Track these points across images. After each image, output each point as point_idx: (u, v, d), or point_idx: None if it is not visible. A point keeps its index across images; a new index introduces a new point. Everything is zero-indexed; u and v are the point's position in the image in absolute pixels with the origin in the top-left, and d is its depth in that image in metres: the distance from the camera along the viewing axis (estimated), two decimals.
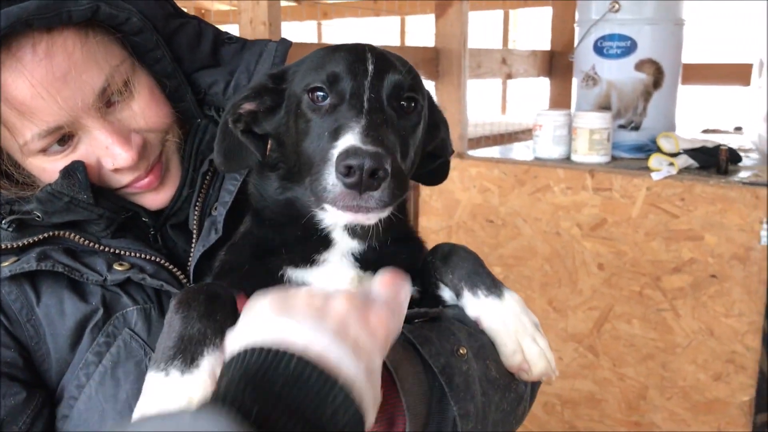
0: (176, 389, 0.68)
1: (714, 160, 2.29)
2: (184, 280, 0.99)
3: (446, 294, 0.91)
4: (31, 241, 0.90)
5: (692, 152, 2.34)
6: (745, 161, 2.42)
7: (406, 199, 0.86)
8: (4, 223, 0.91)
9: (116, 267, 0.92)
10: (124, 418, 0.87)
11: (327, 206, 0.79)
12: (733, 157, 2.32)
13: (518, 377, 0.86)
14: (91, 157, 0.93)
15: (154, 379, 0.69)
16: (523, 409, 0.89)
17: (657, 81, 2.51)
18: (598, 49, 2.55)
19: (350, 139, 0.75)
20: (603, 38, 2.53)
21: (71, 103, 0.87)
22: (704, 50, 3.56)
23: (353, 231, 0.87)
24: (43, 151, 0.91)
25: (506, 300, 0.86)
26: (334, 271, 0.87)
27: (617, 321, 2.42)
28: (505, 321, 0.85)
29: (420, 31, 5.09)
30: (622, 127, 2.57)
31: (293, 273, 0.87)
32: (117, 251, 0.94)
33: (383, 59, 0.86)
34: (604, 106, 2.57)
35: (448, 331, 0.83)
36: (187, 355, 0.70)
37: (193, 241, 1.00)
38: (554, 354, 0.88)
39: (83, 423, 0.88)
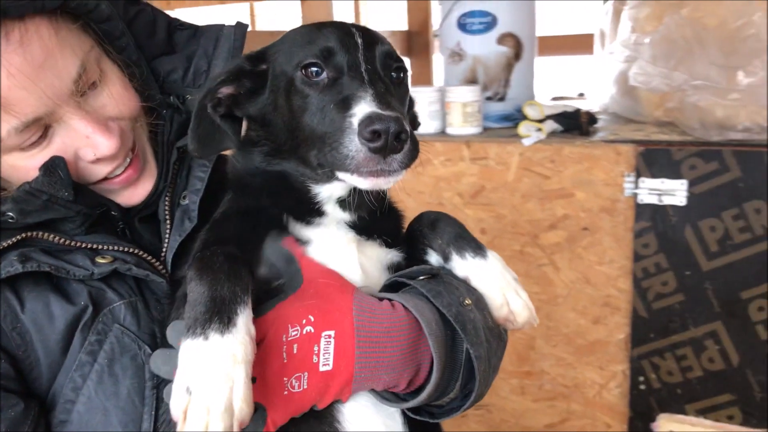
0: (219, 351, 0.68)
1: (576, 123, 2.47)
2: (162, 270, 0.95)
3: (432, 259, 0.94)
4: (5, 245, 0.84)
5: (556, 117, 2.51)
6: (600, 122, 2.62)
7: None
8: None
9: (99, 260, 0.88)
10: (128, 414, 0.83)
11: (344, 174, 0.79)
12: (591, 119, 2.51)
13: (505, 327, 0.91)
14: (68, 151, 0.88)
15: (192, 346, 0.68)
16: (498, 367, 0.95)
17: (517, 53, 2.66)
18: (462, 26, 2.65)
19: (366, 106, 0.76)
20: (465, 15, 2.63)
21: (50, 92, 0.82)
22: (552, 23, 3.80)
23: (344, 203, 0.89)
24: (21, 148, 0.85)
25: (490, 259, 0.92)
26: (334, 233, 0.87)
27: None
28: (491, 278, 0.91)
29: (271, 18, 5.03)
30: (489, 99, 2.70)
31: (294, 226, 0.87)
32: (93, 246, 0.90)
33: (368, 32, 0.89)
34: (471, 80, 2.68)
35: (451, 286, 0.88)
36: (223, 316, 0.70)
37: (167, 231, 0.97)
38: None
39: (85, 424, 0.84)
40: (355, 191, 0.91)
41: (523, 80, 2.71)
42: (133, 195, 0.96)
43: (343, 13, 4.49)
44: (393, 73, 0.88)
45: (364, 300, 0.83)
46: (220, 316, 0.70)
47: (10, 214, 0.86)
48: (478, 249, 0.93)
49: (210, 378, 0.67)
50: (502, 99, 2.69)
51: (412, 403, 0.84)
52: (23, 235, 0.87)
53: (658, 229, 2.24)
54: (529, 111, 2.54)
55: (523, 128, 2.48)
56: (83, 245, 0.91)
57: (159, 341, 0.93)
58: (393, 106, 0.78)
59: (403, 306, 0.84)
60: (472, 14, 2.63)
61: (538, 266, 2.50)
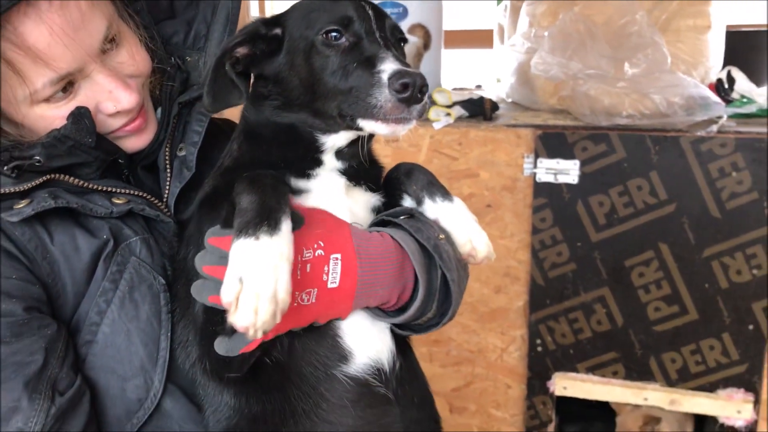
0: (268, 248, 0.77)
1: (480, 109, 2.63)
2: (167, 212, 1.01)
3: (407, 202, 1.05)
4: (32, 185, 0.90)
5: (462, 104, 2.66)
6: (500, 110, 2.80)
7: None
8: (6, 169, 0.90)
9: (116, 201, 0.93)
10: (147, 335, 0.89)
11: (368, 122, 0.90)
12: (494, 106, 2.68)
13: (467, 261, 1.02)
14: (90, 104, 0.94)
15: (245, 244, 0.77)
16: (465, 287, 1.07)
17: (426, 43, 2.79)
18: None
19: (392, 64, 0.88)
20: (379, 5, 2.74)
21: (83, 49, 0.90)
22: (456, 18, 3.97)
23: (339, 153, 0.97)
24: (47, 99, 0.91)
25: (456, 203, 1.05)
26: (329, 181, 0.96)
27: None
28: (458, 219, 1.03)
29: None
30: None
31: (295, 182, 0.95)
32: (108, 189, 0.95)
33: (376, 7, 0.99)
34: None
35: (427, 224, 1.00)
36: (271, 221, 0.79)
37: (167, 179, 1.02)
38: None
39: (111, 344, 0.91)
40: (353, 142, 1.01)
41: (432, 68, 2.85)
42: (138, 142, 1.03)
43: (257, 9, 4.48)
44: (400, 44, 1.01)
45: (358, 231, 0.94)
46: (269, 221, 0.79)
47: (38, 158, 0.92)
48: (447, 194, 1.06)
49: (260, 270, 0.76)
50: None
51: (402, 317, 0.96)
52: (48, 176, 0.93)
53: (553, 205, 2.44)
54: (438, 97, 2.68)
55: (433, 113, 2.61)
56: (99, 188, 0.98)
57: (169, 274, 1.01)
58: (410, 66, 0.91)
59: (391, 237, 0.96)
60: (384, 5, 2.73)
61: None
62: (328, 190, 1.00)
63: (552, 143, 2.39)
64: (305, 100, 0.97)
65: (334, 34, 0.95)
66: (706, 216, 2.31)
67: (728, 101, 2.53)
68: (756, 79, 2.67)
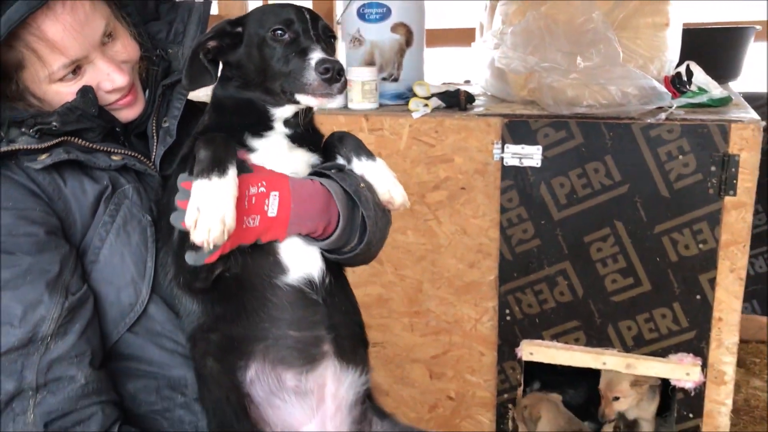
0: (218, 188, 1.05)
1: (456, 101, 2.85)
2: (153, 169, 1.27)
3: (339, 161, 1.30)
4: (50, 143, 1.18)
5: (440, 95, 2.89)
6: (478, 102, 3.02)
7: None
8: (32, 131, 1.18)
9: (113, 158, 1.19)
10: (137, 257, 1.15)
11: (302, 96, 1.18)
12: (469, 98, 2.90)
13: (387, 207, 1.32)
14: (93, 83, 1.22)
15: (201, 184, 1.05)
16: (387, 232, 1.31)
17: (408, 40, 3.01)
18: (361, 15, 2.98)
19: (319, 54, 1.17)
20: (364, 6, 2.97)
21: (88, 41, 1.17)
22: (441, 17, 4.20)
23: (286, 122, 1.26)
24: (61, 79, 1.18)
25: (378, 162, 1.32)
26: (277, 143, 1.24)
27: (396, 233, 2.91)
28: (379, 174, 1.30)
29: None
30: (384, 79, 3.04)
31: (251, 140, 1.21)
32: (108, 149, 1.22)
33: (312, 12, 1.26)
34: (369, 63, 3.02)
35: (352, 175, 1.27)
36: (220, 167, 1.06)
37: (154, 145, 1.28)
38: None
39: (109, 263, 1.19)
40: (296, 114, 1.28)
41: (414, 64, 3.07)
42: (129, 113, 1.30)
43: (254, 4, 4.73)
44: (329, 39, 1.27)
45: (294, 178, 1.22)
46: (219, 167, 1.07)
47: (55, 123, 1.20)
48: (371, 155, 1.33)
49: (212, 201, 1.03)
50: (395, 80, 3.04)
51: (327, 242, 1.24)
52: (62, 138, 1.21)
53: (519, 186, 2.65)
54: (418, 89, 2.91)
55: (412, 104, 2.84)
56: (101, 148, 1.26)
57: (155, 214, 1.28)
58: (334, 56, 1.20)
59: (320, 183, 1.23)
60: (370, 5, 2.96)
61: (425, 221, 2.87)
62: (275, 149, 1.28)
63: (517, 130, 2.60)
64: (259, 81, 1.25)
65: (279, 31, 1.21)
66: (656, 196, 2.51)
67: (683, 92, 2.73)
68: (712, 73, 2.85)
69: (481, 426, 2.96)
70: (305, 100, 1.20)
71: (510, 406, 2.88)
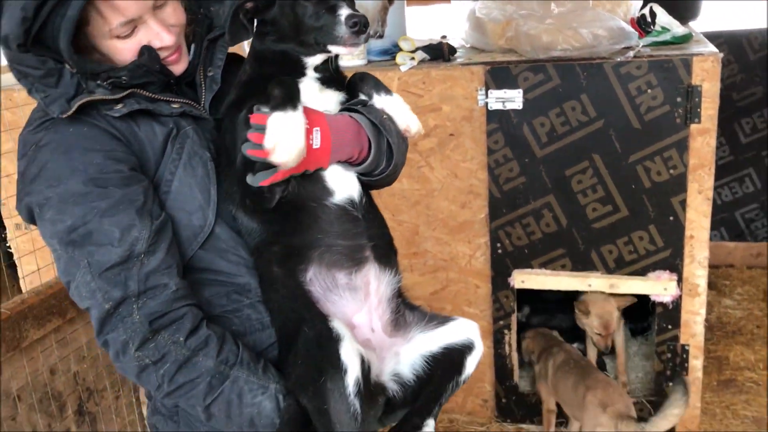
0: (293, 119, 1.24)
1: (440, 53, 3.02)
2: (204, 113, 1.48)
3: (362, 98, 1.48)
4: (122, 95, 1.34)
5: (424, 48, 3.05)
6: (459, 53, 3.19)
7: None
8: (106, 84, 1.34)
9: (173, 105, 1.37)
10: (202, 186, 1.38)
11: (333, 46, 1.35)
12: (451, 49, 3.07)
13: (405, 135, 1.50)
14: (144, 41, 1.37)
15: (279, 116, 1.24)
16: (406, 157, 1.55)
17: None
18: None
19: (346, 10, 1.34)
20: None
21: (143, 4, 1.32)
22: None
23: (316, 68, 1.43)
24: (118, 36, 1.33)
25: (395, 97, 1.49)
26: (310, 87, 1.43)
27: None
28: (397, 107, 1.48)
29: None
30: (371, 37, 3.20)
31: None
32: (167, 99, 1.40)
33: None
34: None
35: (375, 109, 1.45)
36: (293, 103, 1.26)
37: (202, 92, 1.46)
38: None
39: (179, 192, 1.38)
40: (325, 61, 1.44)
41: (396, 21, 3.23)
42: (177, 68, 1.45)
43: None
44: None
45: (329, 114, 1.40)
46: (291, 103, 1.27)
47: (124, 77, 1.35)
48: (388, 91, 1.49)
49: (289, 129, 1.23)
50: (381, 36, 3.20)
51: (362, 167, 1.44)
52: (130, 90, 1.36)
53: (504, 128, 2.85)
54: (403, 44, 3.07)
55: (399, 58, 3.01)
56: (162, 98, 1.41)
57: (213, 151, 1.45)
58: (359, 11, 1.36)
59: (350, 116, 1.42)
60: None
61: (418, 168, 3.06)
62: (309, 92, 1.43)
63: (499, 76, 2.79)
64: (292, 35, 1.41)
65: None
66: (629, 128, 2.73)
67: (648, 32, 2.93)
68: (674, 14, 3.05)
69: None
70: (336, 49, 1.36)
71: (506, 331, 3.12)
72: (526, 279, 2.99)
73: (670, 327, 2.92)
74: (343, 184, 1.43)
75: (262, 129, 1.26)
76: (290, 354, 1.33)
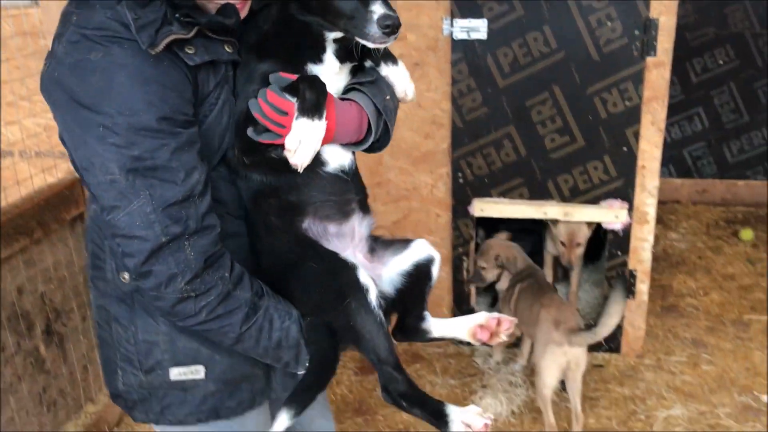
0: (316, 128, 1.30)
1: None
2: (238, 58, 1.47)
3: (368, 63, 1.51)
4: (193, 33, 1.31)
5: None
6: None
7: None
8: (183, 20, 1.30)
9: (227, 48, 1.37)
10: (222, 131, 1.39)
11: (362, 40, 1.34)
12: None
13: (403, 100, 1.58)
14: None
15: (306, 123, 1.30)
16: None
17: None
18: None
19: (381, 8, 1.30)
20: None
21: None
22: None
23: (335, 40, 1.42)
24: None
25: (399, 66, 1.54)
26: (328, 66, 1.44)
27: None
28: (399, 77, 1.54)
29: None
30: None
31: (310, 66, 1.43)
32: (225, 39, 1.38)
33: None
34: None
35: (380, 90, 1.49)
36: (320, 112, 1.31)
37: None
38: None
39: (213, 126, 1.38)
40: (343, 37, 1.42)
41: None
42: (243, 13, 1.41)
43: None
44: None
45: (339, 102, 1.41)
46: (319, 112, 1.30)
47: (203, 22, 1.32)
48: (395, 60, 1.54)
49: (311, 138, 1.29)
50: None
51: (362, 146, 1.49)
52: (198, 28, 1.31)
53: (468, 58, 2.89)
54: None
55: None
56: (224, 39, 1.38)
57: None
58: (391, 5, 1.33)
59: (356, 103, 1.44)
60: None
61: None
62: (328, 67, 1.44)
63: (465, 6, 2.82)
64: (319, 12, 1.38)
65: None
66: (588, 60, 2.80)
67: None
68: None
69: (439, 279, 3.28)
70: (364, 42, 1.34)
71: (464, 258, 3.23)
72: (485, 207, 3.09)
73: (619, 253, 3.07)
74: (337, 157, 1.49)
75: (279, 111, 1.31)
76: (296, 285, 1.46)
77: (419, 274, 1.58)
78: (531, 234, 3.55)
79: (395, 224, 3.29)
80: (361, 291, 1.41)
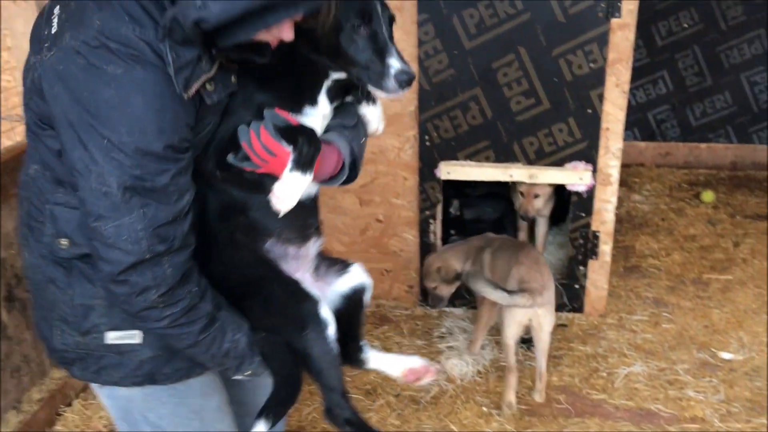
0: (304, 181, 1.35)
1: None
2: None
3: (348, 98, 1.53)
4: (214, 71, 1.30)
5: None
6: None
7: None
8: (210, 54, 1.28)
9: (233, 79, 1.39)
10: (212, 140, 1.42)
11: (376, 91, 1.37)
12: None
13: (372, 135, 1.60)
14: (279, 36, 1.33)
15: (296, 176, 1.35)
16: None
17: None
18: None
19: (397, 62, 1.33)
20: None
21: None
22: None
23: (335, 80, 1.45)
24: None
25: (378, 105, 1.56)
26: (322, 108, 1.47)
27: None
28: (375, 116, 1.57)
29: None
30: None
31: (307, 109, 1.46)
32: (230, 68, 1.38)
33: (383, 3, 1.37)
34: None
35: (359, 134, 1.52)
36: (311, 166, 1.35)
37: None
38: None
39: (198, 145, 1.39)
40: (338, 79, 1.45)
41: None
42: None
43: None
44: (391, 24, 1.40)
45: (323, 144, 1.43)
46: (310, 166, 1.35)
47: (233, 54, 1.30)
48: (375, 100, 1.55)
49: (298, 190, 1.34)
50: None
51: (332, 184, 1.52)
52: (219, 63, 1.30)
53: (434, 20, 2.86)
54: None
55: None
56: (232, 67, 1.37)
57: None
58: (403, 57, 1.35)
59: (335, 146, 1.47)
60: None
61: None
62: (319, 115, 1.47)
63: None
64: (329, 56, 1.38)
65: (360, 26, 1.33)
66: (554, 21, 2.79)
67: None
68: None
69: (407, 242, 3.32)
70: (376, 92, 1.38)
71: (431, 221, 3.24)
72: (452, 170, 3.09)
73: (583, 215, 3.11)
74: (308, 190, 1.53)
75: (268, 150, 1.34)
76: (255, 303, 1.51)
77: (356, 299, 1.66)
78: (499, 198, 3.58)
79: (363, 188, 3.28)
80: (320, 325, 1.48)
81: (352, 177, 1.54)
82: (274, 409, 1.51)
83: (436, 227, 3.27)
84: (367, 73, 1.35)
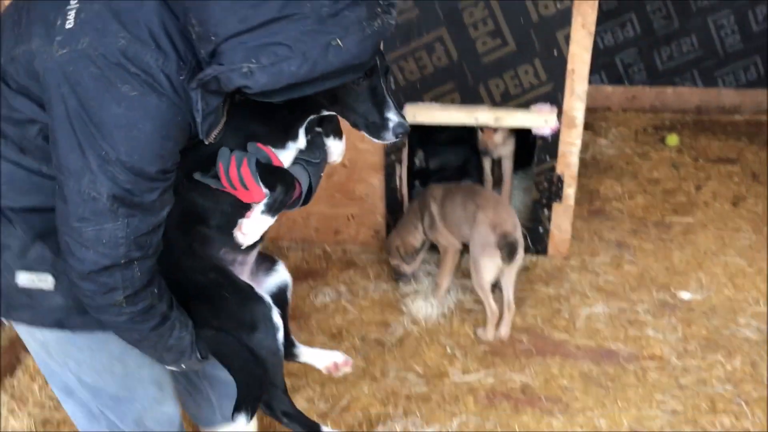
0: (270, 222, 1.48)
1: None
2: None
3: (317, 129, 1.57)
4: (221, 126, 1.40)
5: None
6: None
7: None
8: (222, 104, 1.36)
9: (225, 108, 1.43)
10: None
11: (372, 138, 1.41)
12: None
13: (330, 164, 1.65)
14: None
15: (264, 218, 1.46)
16: None
17: None
18: None
19: (395, 116, 1.37)
20: None
21: None
22: None
23: (311, 121, 1.50)
24: None
25: (342, 140, 1.64)
26: (300, 143, 1.52)
27: None
28: (338, 149, 1.65)
29: None
30: None
31: (289, 143, 1.52)
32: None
33: (381, 53, 1.34)
34: None
35: (320, 169, 1.60)
36: (280, 209, 1.48)
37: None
38: None
39: None
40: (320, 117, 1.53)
41: None
42: None
43: None
44: (387, 73, 1.41)
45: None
46: (280, 209, 1.47)
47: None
48: (341, 135, 1.66)
49: (264, 228, 1.48)
50: None
51: (288, 210, 1.56)
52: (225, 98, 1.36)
53: None
54: None
55: None
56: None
57: None
58: (399, 110, 1.41)
59: (299, 183, 1.51)
60: None
61: None
62: (298, 147, 1.54)
63: None
64: (327, 100, 1.40)
65: (360, 78, 1.34)
66: None
67: None
68: None
69: (373, 187, 3.30)
70: (370, 137, 1.43)
71: (396, 165, 3.21)
72: (417, 113, 3.05)
73: (548, 158, 3.10)
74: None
75: (242, 182, 1.42)
76: (204, 303, 1.57)
77: (283, 297, 1.77)
78: (463, 144, 3.56)
79: None
80: (272, 329, 1.57)
81: (303, 204, 1.62)
82: (247, 403, 1.55)
83: (402, 172, 3.24)
84: (365, 122, 1.40)
